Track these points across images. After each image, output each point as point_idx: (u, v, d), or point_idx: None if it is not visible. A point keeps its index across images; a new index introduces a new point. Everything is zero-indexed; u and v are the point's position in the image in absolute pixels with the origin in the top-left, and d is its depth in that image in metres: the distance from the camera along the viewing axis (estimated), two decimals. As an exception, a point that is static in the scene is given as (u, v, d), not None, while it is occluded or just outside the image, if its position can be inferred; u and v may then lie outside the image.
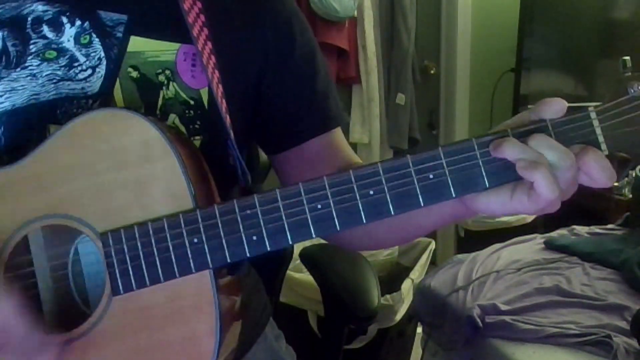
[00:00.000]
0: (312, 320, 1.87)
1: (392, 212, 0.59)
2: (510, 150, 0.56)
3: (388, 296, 1.92)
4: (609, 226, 1.97)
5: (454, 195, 0.58)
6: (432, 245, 2.22)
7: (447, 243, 3.04)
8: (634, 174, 2.14)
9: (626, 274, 1.61)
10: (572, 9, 2.57)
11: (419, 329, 2.01)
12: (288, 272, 1.84)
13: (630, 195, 2.25)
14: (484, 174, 0.58)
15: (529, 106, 0.60)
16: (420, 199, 0.58)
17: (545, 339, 1.37)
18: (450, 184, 0.58)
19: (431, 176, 0.58)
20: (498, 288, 1.59)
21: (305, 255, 1.34)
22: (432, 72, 3.02)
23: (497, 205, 0.59)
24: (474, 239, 2.53)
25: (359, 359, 1.89)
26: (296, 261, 1.69)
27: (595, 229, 1.95)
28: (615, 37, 2.61)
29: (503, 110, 2.69)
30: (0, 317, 0.57)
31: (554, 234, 1.93)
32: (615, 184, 2.38)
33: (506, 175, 0.58)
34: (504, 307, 1.47)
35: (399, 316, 1.95)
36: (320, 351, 1.30)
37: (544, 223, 2.44)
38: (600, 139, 0.58)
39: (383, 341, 1.94)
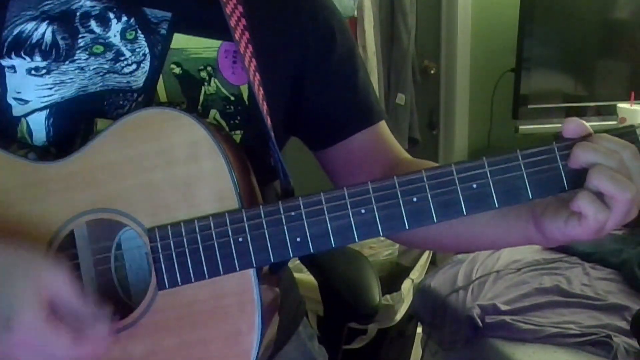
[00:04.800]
0: (312, 320, 1.87)
1: (435, 220, 0.60)
2: (588, 154, 0.56)
3: (388, 296, 1.92)
4: (609, 226, 1.97)
5: (497, 205, 0.59)
6: (432, 245, 2.22)
7: (447, 243, 3.04)
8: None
9: (626, 274, 1.61)
10: (572, 9, 2.57)
11: (419, 329, 2.01)
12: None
13: (630, 196, 2.25)
14: (527, 185, 0.58)
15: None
16: (463, 208, 0.59)
17: (545, 339, 1.37)
18: (494, 193, 0.59)
19: (474, 185, 0.59)
20: (498, 288, 1.59)
21: (305, 255, 1.33)
22: (432, 72, 3.01)
23: (556, 231, 0.59)
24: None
25: (359, 359, 1.89)
26: (296, 261, 1.69)
27: (595, 229, 1.94)
28: (615, 37, 2.60)
29: (503, 110, 2.68)
30: (53, 286, 0.58)
31: (554, 234, 1.92)
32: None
33: (550, 186, 0.58)
34: (504, 307, 1.47)
35: (399, 316, 1.95)
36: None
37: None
38: None
39: (383, 341, 1.94)
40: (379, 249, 2.10)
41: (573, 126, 0.58)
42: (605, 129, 0.59)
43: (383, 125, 0.84)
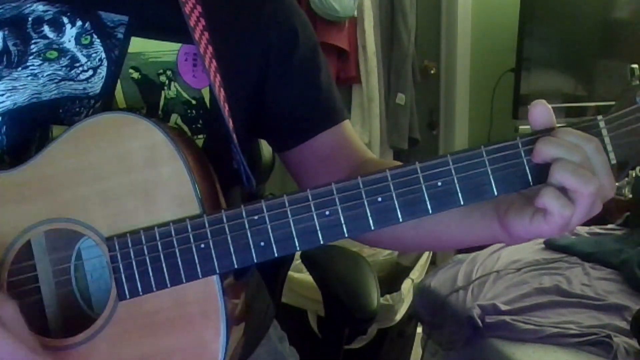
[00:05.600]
0: (312, 320, 1.87)
1: (400, 219, 0.58)
2: (551, 149, 0.55)
3: (388, 296, 1.93)
4: (609, 226, 1.97)
5: (462, 203, 0.58)
6: (432, 245, 2.22)
7: (447, 243, 3.04)
8: (634, 174, 2.14)
9: (626, 274, 1.61)
10: (572, 9, 2.57)
11: (419, 329, 2.01)
12: (288, 272, 1.84)
13: (630, 195, 2.25)
14: (492, 181, 0.57)
15: (529, 106, 0.60)
16: (429, 206, 0.58)
17: (545, 339, 1.37)
18: (458, 191, 0.58)
19: (439, 183, 0.58)
20: (498, 288, 1.59)
21: (305, 256, 1.34)
22: (432, 72, 3.02)
23: (521, 229, 0.58)
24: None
25: (359, 359, 1.89)
26: (296, 261, 1.70)
27: (595, 229, 1.94)
28: (615, 37, 2.61)
29: (503, 110, 2.69)
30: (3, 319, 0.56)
31: (554, 233, 1.92)
32: (615, 183, 2.38)
33: (515, 182, 0.57)
34: (504, 307, 1.47)
35: (399, 316, 1.95)
36: (321, 351, 1.30)
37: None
38: (609, 147, 0.58)
39: (383, 341, 1.94)
40: (379, 249, 2.10)
41: (539, 109, 0.58)
42: (571, 124, 0.58)
43: (347, 124, 0.82)
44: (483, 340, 1.45)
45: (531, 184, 0.57)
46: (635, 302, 1.47)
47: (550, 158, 0.56)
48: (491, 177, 0.57)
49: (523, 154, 0.57)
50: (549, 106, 0.58)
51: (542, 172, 0.57)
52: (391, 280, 2.07)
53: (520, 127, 2.49)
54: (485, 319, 1.45)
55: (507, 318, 1.43)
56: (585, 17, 2.58)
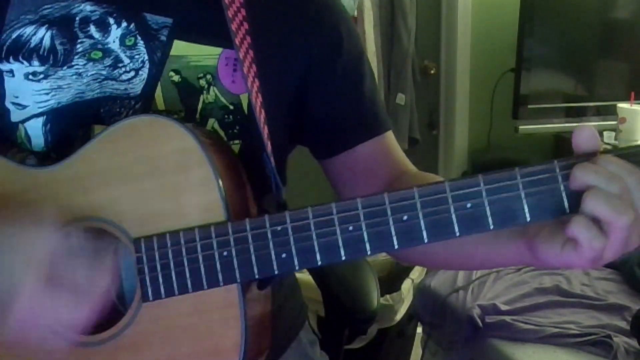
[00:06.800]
0: (312, 320, 1.86)
1: (425, 240, 0.56)
2: (588, 176, 0.52)
3: (388, 296, 1.92)
4: (609, 226, 1.96)
5: (491, 227, 0.55)
6: (432, 245, 2.21)
7: (447, 243, 3.03)
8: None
9: (626, 274, 1.61)
10: (572, 9, 2.57)
11: (419, 329, 2.01)
12: (288, 272, 1.84)
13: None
14: (525, 207, 0.54)
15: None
16: (456, 229, 0.55)
17: (545, 339, 1.37)
18: (489, 214, 0.54)
19: (469, 205, 0.55)
20: (498, 288, 1.59)
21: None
22: (432, 72, 3.01)
23: (551, 257, 0.55)
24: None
25: (359, 359, 1.89)
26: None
27: (595, 229, 1.94)
28: (615, 37, 2.60)
29: (503, 110, 2.68)
30: (49, 252, 0.58)
31: (554, 234, 1.92)
32: None
33: (550, 209, 0.54)
34: (504, 307, 1.47)
35: (399, 316, 1.95)
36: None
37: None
38: None
39: (383, 341, 1.94)
40: (379, 249, 2.09)
41: (585, 135, 0.54)
42: (614, 149, 0.53)
43: (389, 135, 0.81)
44: (483, 340, 1.45)
45: (567, 211, 0.54)
46: (635, 302, 1.47)
47: (586, 185, 0.52)
48: (524, 202, 0.54)
49: (560, 179, 0.54)
50: (596, 131, 0.54)
51: (580, 200, 0.52)
52: (391, 280, 2.07)
53: (520, 127, 2.49)
54: (485, 319, 1.45)
55: (507, 318, 1.43)
56: (585, 17, 2.58)
